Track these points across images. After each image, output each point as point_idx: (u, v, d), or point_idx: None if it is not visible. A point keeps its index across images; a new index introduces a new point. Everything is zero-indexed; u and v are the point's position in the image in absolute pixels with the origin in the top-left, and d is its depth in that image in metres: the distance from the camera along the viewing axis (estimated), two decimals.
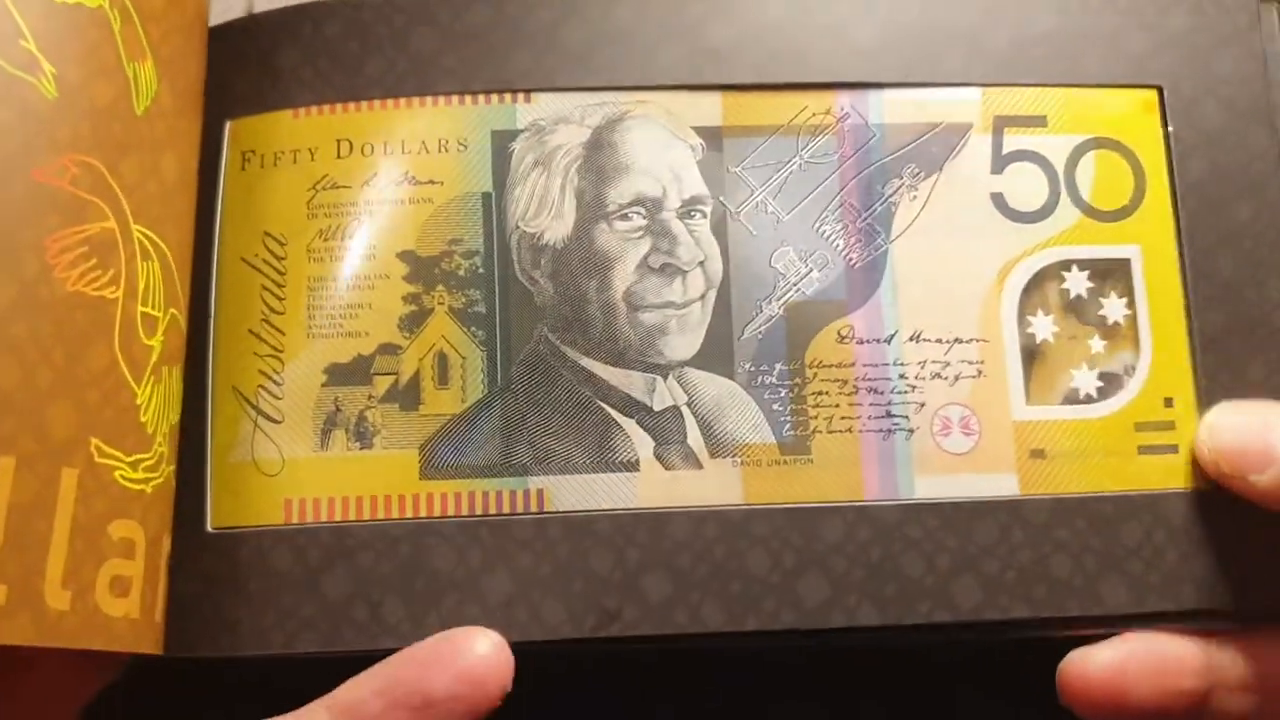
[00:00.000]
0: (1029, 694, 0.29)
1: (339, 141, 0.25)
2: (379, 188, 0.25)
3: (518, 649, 0.22)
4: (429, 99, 0.26)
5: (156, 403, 0.22)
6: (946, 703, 0.29)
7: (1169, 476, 0.25)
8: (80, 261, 0.20)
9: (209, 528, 0.23)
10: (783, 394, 0.25)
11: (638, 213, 0.25)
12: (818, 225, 0.26)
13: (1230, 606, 0.24)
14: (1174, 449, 0.25)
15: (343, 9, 0.26)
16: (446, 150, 0.25)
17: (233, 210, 0.25)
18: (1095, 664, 0.23)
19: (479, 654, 0.21)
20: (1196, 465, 0.25)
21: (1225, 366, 0.25)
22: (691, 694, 0.29)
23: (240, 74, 0.26)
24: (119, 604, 0.20)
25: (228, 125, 0.26)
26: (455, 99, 0.26)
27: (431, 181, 0.25)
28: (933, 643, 0.28)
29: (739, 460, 0.24)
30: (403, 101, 0.26)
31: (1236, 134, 0.26)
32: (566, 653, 0.23)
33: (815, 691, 0.29)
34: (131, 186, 0.21)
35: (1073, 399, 0.25)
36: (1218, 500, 0.24)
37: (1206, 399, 0.25)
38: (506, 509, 0.24)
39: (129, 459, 0.21)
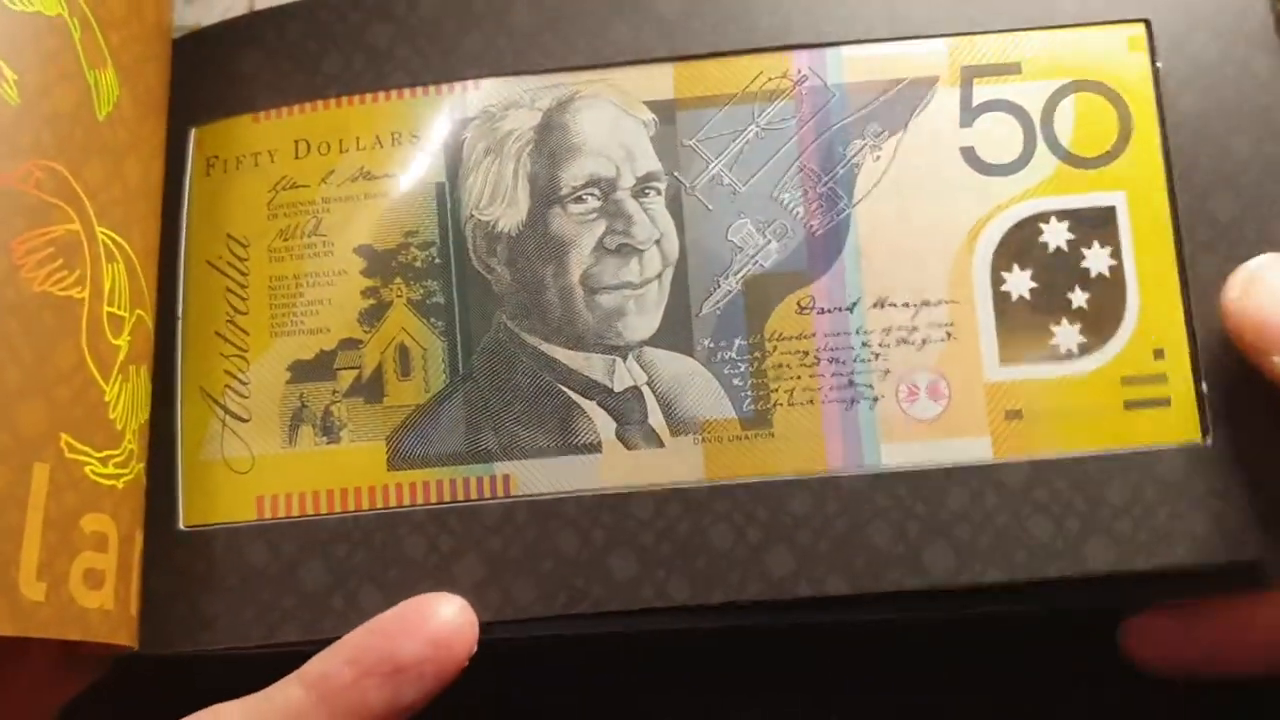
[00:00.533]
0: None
1: (297, 142, 0.26)
2: (335, 184, 0.26)
3: (499, 633, 0.23)
4: (382, 94, 0.26)
5: (125, 401, 0.22)
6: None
7: (1160, 432, 0.24)
8: (47, 262, 0.21)
9: (181, 526, 0.24)
10: (742, 369, 0.24)
11: (591, 194, 0.25)
12: (776, 193, 0.25)
13: (1224, 562, 0.23)
14: (1165, 402, 0.24)
15: (303, 10, 0.27)
16: (399, 143, 0.26)
17: (197, 215, 0.26)
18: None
19: (444, 618, 0.21)
20: (1189, 418, 0.23)
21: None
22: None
23: (204, 81, 0.27)
24: (93, 596, 0.21)
25: (192, 132, 0.26)
26: (408, 92, 0.26)
27: (386, 175, 0.26)
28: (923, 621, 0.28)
29: (700, 437, 0.24)
30: (357, 98, 0.26)
31: (1235, 64, 0.24)
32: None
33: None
34: (95, 190, 0.22)
35: (1052, 356, 0.24)
36: (1212, 453, 0.23)
37: (1203, 349, 0.24)
38: (474, 495, 0.24)
39: (99, 454, 0.22)
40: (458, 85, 0.26)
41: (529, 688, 0.29)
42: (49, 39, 0.22)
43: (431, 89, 0.26)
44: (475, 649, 0.22)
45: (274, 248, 0.25)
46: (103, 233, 0.22)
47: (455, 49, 0.26)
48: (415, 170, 0.26)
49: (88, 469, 0.21)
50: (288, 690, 0.21)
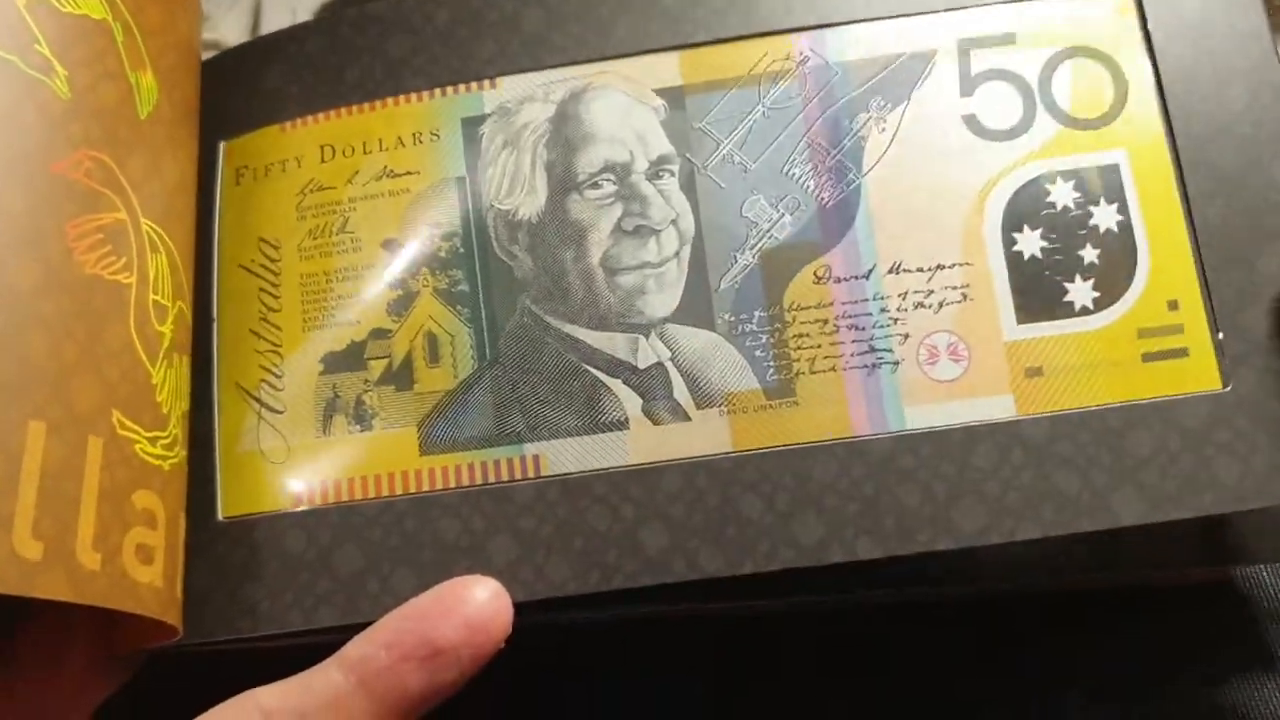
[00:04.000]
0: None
1: (323, 147, 0.27)
2: (360, 184, 0.26)
3: (534, 613, 0.23)
4: (402, 98, 0.27)
5: (169, 386, 0.23)
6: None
7: (1179, 381, 0.24)
8: (97, 247, 0.22)
9: (220, 517, 0.25)
10: (764, 340, 0.25)
11: (607, 179, 0.26)
12: (786, 169, 0.26)
13: (1252, 508, 0.23)
14: (1184, 352, 0.24)
15: (324, 26, 0.28)
16: (421, 142, 0.27)
17: (229, 223, 0.27)
18: None
19: (480, 601, 0.22)
20: (1208, 366, 0.24)
21: (1233, 261, 0.24)
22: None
23: (232, 97, 0.28)
24: (144, 571, 0.21)
25: (222, 146, 0.27)
26: (426, 94, 0.27)
27: (409, 172, 0.26)
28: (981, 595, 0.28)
29: (725, 409, 0.25)
30: (379, 103, 0.27)
31: (1223, 17, 0.25)
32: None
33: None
34: (138, 183, 0.23)
35: (1068, 313, 0.24)
36: (1233, 399, 0.23)
37: (1216, 297, 0.24)
38: (505, 477, 0.24)
39: (148, 434, 0.22)
40: (474, 85, 0.27)
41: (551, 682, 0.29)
42: (95, 39, 0.23)
43: (449, 90, 0.27)
44: (511, 631, 0.22)
45: (304, 247, 0.26)
46: (146, 224, 0.23)
47: (470, 54, 0.27)
48: (436, 166, 0.26)
49: (137, 446, 0.22)
50: (327, 674, 0.21)
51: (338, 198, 0.26)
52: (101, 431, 0.21)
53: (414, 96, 0.27)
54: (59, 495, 0.19)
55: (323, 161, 0.27)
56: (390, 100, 0.27)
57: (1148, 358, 0.24)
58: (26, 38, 0.21)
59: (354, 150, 0.27)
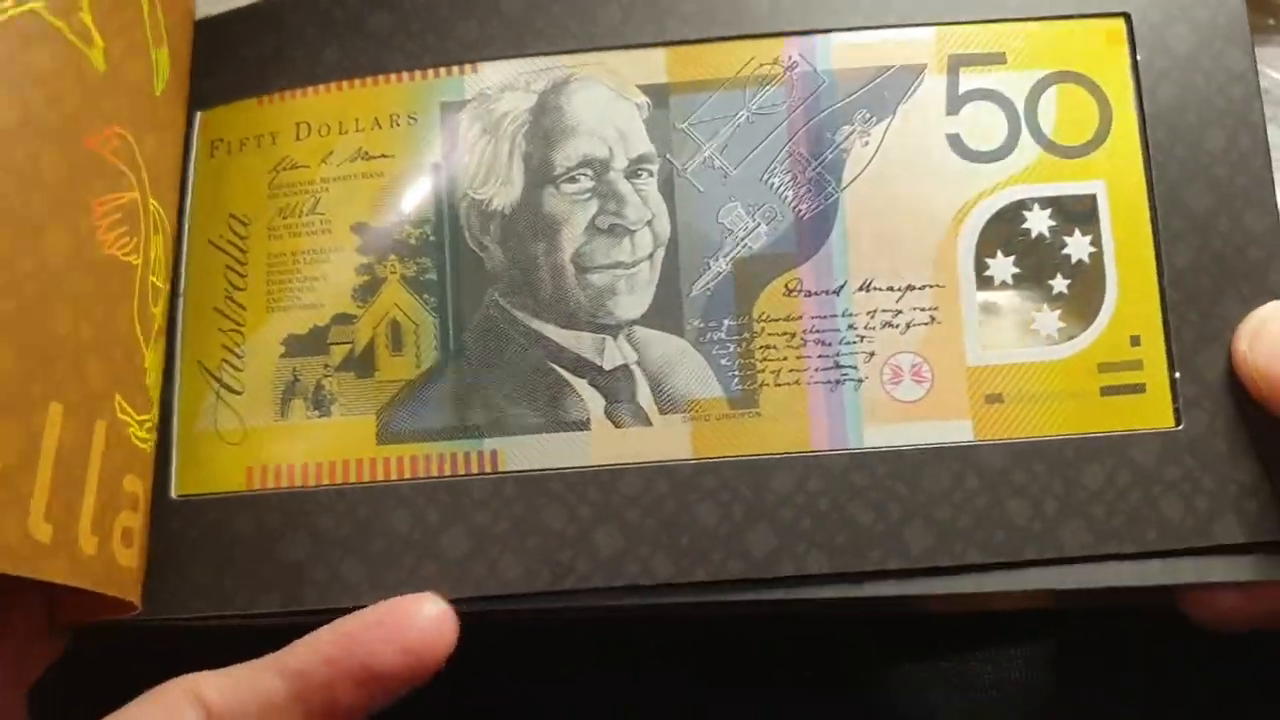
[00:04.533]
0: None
1: (298, 124, 0.26)
2: (334, 165, 0.26)
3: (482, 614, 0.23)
4: (381, 78, 0.26)
5: (154, 369, 0.23)
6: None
7: (1134, 417, 0.24)
8: (115, 226, 0.21)
9: (173, 495, 0.24)
10: (731, 349, 0.25)
11: (585, 174, 0.25)
12: (766, 177, 0.25)
13: (1191, 546, 0.23)
14: (1141, 388, 0.24)
15: (300, 3, 0.27)
16: (398, 125, 0.26)
17: (201, 197, 0.26)
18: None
19: (425, 622, 0.21)
20: (1163, 404, 0.24)
21: (1196, 303, 0.24)
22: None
23: (210, 67, 0.27)
24: (126, 554, 0.21)
25: (199, 116, 0.27)
26: (406, 75, 0.26)
27: (383, 155, 0.26)
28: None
29: (688, 416, 0.25)
30: (358, 82, 0.26)
31: (1211, 58, 0.25)
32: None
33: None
34: (149, 162, 0.23)
35: (1032, 341, 0.25)
36: (1184, 439, 0.24)
37: (1176, 337, 0.24)
38: (462, 470, 0.24)
39: (139, 418, 0.22)
40: (455, 69, 0.26)
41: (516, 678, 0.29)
42: (128, 10, 0.22)
43: (430, 73, 0.26)
44: (452, 651, 0.21)
45: (273, 226, 0.26)
46: (153, 203, 0.23)
47: (451, 34, 0.26)
48: (412, 151, 0.26)
49: (130, 430, 0.22)
50: (267, 677, 0.20)
51: (310, 177, 0.26)
52: (105, 415, 0.21)
53: (393, 77, 0.26)
54: (69, 479, 0.19)
55: (298, 139, 0.26)
56: (370, 79, 0.26)
57: (1106, 391, 0.24)
58: (72, 2, 0.20)
59: (329, 129, 0.26)
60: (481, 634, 0.22)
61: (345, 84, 0.26)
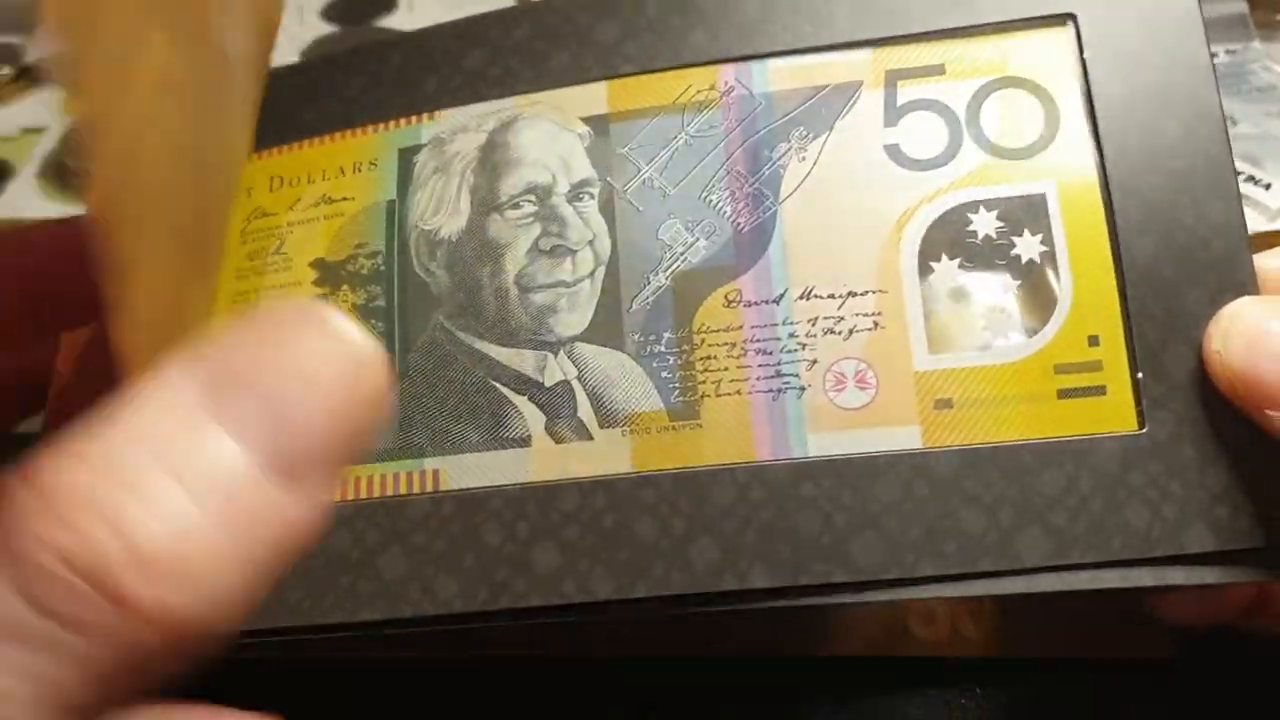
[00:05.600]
0: None
1: (272, 178, 0.28)
2: (300, 210, 0.27)
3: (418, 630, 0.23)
4: (349, 132, 0.28)
5: None
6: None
7: (1095, 421, 0.23)
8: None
9: None
10: (671, 361, 0.25)
11: (528, 200, 0.26)
12: (704, 195, 0.26)
13: (1157, 554, 0.21)
14: (1101, 390, 0.23)
15: (291, 74, 0.29)
16: (359, 171, 0.27)
17: None
18: None
19: None
20: (1125, 406, 0.23)
21: (1158, 298, 0.23)
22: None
23: None
24: None
25: None
26: (371, 128, 0.28)
27: (345, 198, 0.27)
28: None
29: (628, 429, 0.24)
30: (328, 138, 0.28)
31: (1162, 51, 0.24)
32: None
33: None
34: None
35: (983, 344, 0.24)
36: (1148, 443, 0.22)
37: (1138, 336, 0.23)
38: (403, 490, 0.24)
39: None
40: (414, 118, 0.28)
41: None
42: None
43: (392, 124, 0.28)
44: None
45: (240, 269, 0.27)
46: None
47: (416, 90, 0.28)
48: (369, 192, 0.27)
49: None
50: None
51: (278, 223, 0.27)
52: None
53: (359, 130, 0.28)
54: None
55: (271, 191, 0.28)
56: (338, 134, 0.28)
57: (1064, 394, 0.23)
58: None
59: (299, 180, 0.28)
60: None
61: (317, 140, 0.28)
